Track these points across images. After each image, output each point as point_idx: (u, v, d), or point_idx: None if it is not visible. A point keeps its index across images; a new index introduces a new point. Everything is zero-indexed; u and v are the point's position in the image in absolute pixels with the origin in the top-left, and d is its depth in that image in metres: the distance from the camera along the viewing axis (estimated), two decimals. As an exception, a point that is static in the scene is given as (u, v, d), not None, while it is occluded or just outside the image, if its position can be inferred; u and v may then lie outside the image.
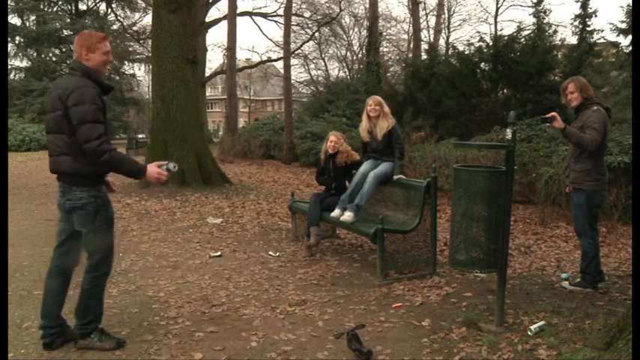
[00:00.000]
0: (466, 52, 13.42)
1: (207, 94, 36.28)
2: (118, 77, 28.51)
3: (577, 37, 14.58)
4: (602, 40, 14.72)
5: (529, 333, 3.08)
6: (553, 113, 3.81)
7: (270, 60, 28.92)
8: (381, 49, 19.34)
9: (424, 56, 17.53)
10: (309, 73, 35.40)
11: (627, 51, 13.29)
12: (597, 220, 4.09)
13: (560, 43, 13.85)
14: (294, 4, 21.63)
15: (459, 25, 34.76)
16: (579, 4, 14.45)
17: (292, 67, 21.69)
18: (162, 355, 2.94)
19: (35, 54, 26.21)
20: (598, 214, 4.11)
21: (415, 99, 13.57)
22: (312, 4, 28.62)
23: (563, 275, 4.28)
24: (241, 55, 46.00)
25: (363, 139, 5.11)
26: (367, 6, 21.91)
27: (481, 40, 13.03)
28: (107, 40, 2.94)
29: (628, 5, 12.86)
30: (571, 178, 4.01)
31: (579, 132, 3.82)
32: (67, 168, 2.82)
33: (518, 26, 14.75)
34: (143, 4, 27.73)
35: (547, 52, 12.24)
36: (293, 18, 21.88)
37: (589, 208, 3.93)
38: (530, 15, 21.29)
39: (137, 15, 29.77)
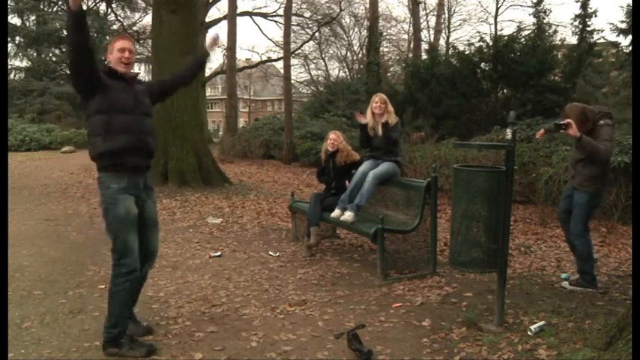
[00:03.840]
0: (466, 52, 13.40)
1: (207, 94, 36.20)
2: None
3: (577, 37, 14.53)
4: (602, 40, 14.69)
5: (529, 333, 3.08)
6: (568, 120, 3.74)
7: (270, 60, 28.86)
8: (381, 49, 19.27)
9: (424, 56, 17.47)
10: (309, 73, 35.36)
11: (627, 51, 13.25)
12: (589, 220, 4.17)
13: (560, 43, 13.83)
14: (294, 4, 21.60)
15: (459, 25, 34.41)
16: (579, 4, 14.40)
17: (292, 67, 21.67)
18: (162, 355, 2.94)
19: (35, 54, 26.14)
20: (591, 215, 4.19)
21: (415, 99, 13.55)
22: (312, 4, 28.57)
23: (563, 275, 4.29)
24: (241, 55, 45.89)
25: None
26: (367, 6, 21.90)
27: (481, 40, 13.01)
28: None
29: (628, 5, 12.83)
30: (577, 180, 4.01)
31: (594, 141, 3.83)
32: None
33: (518, 26, 14.73)
34: (143, 4, 27.67)
35: (547, 52, 12.22)
36: (293, 18, 21.84)
37: (589, 209, 3.99)
38: (530, 15, 21.20)
39: (137, 15, 29.68)
